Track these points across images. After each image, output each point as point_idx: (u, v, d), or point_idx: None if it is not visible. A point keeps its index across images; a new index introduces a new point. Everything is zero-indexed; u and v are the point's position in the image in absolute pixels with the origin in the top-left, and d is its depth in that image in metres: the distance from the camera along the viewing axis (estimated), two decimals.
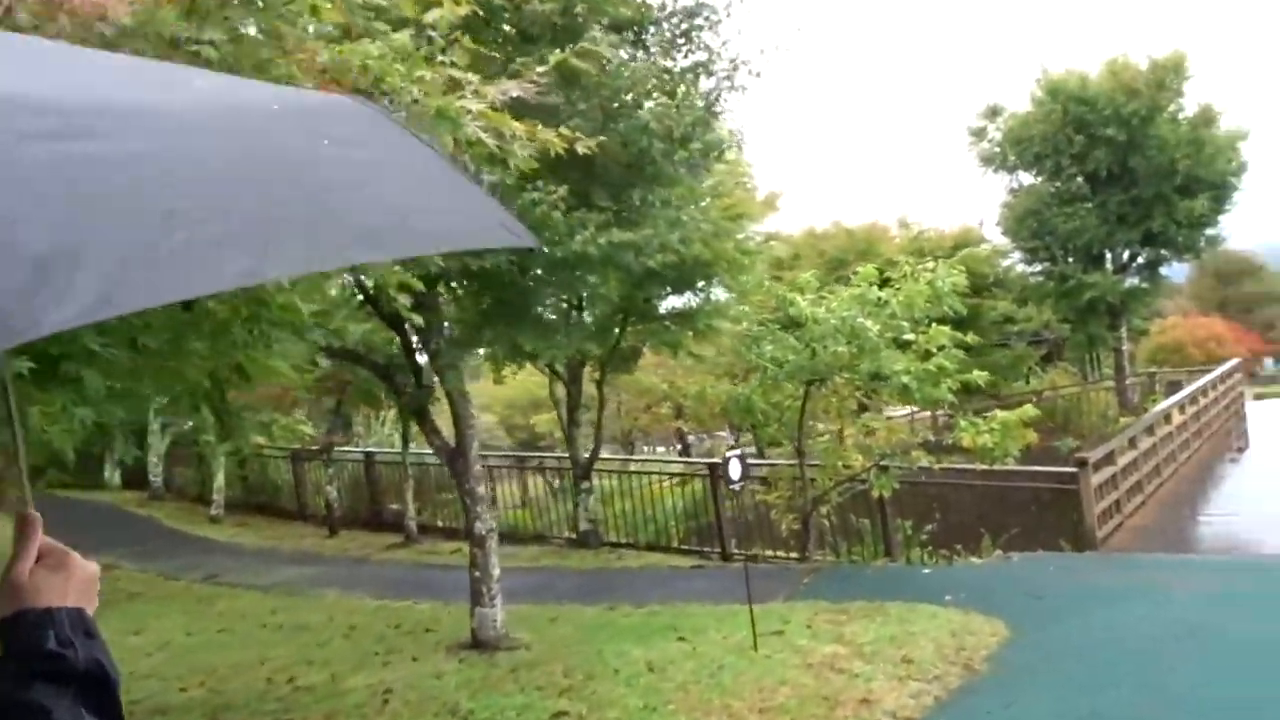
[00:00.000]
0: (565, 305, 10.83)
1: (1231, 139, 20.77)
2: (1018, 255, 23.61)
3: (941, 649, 7.20)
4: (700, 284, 11.61)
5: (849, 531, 12.80)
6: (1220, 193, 20.94)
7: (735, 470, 7.14)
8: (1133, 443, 12.29)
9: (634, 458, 18.59)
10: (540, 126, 3.36)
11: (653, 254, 6.61)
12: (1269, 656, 6.26)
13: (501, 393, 29.44)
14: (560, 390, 13.25)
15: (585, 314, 10.57)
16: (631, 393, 27.53)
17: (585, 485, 13.07)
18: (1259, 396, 39.88)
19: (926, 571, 10.28)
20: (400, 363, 7.31)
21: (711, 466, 13.27)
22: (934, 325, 10.24)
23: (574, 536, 13.21)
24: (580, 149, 3.57)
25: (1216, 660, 6.27)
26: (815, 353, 10.43)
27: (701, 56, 7.01)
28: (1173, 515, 11.94)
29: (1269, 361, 59.73)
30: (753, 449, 19.02)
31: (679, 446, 30.27)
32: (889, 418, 24.08)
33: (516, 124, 3.14)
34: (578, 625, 8.28)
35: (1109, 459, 11.28)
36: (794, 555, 11.66)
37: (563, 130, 3.56)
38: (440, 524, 15.10)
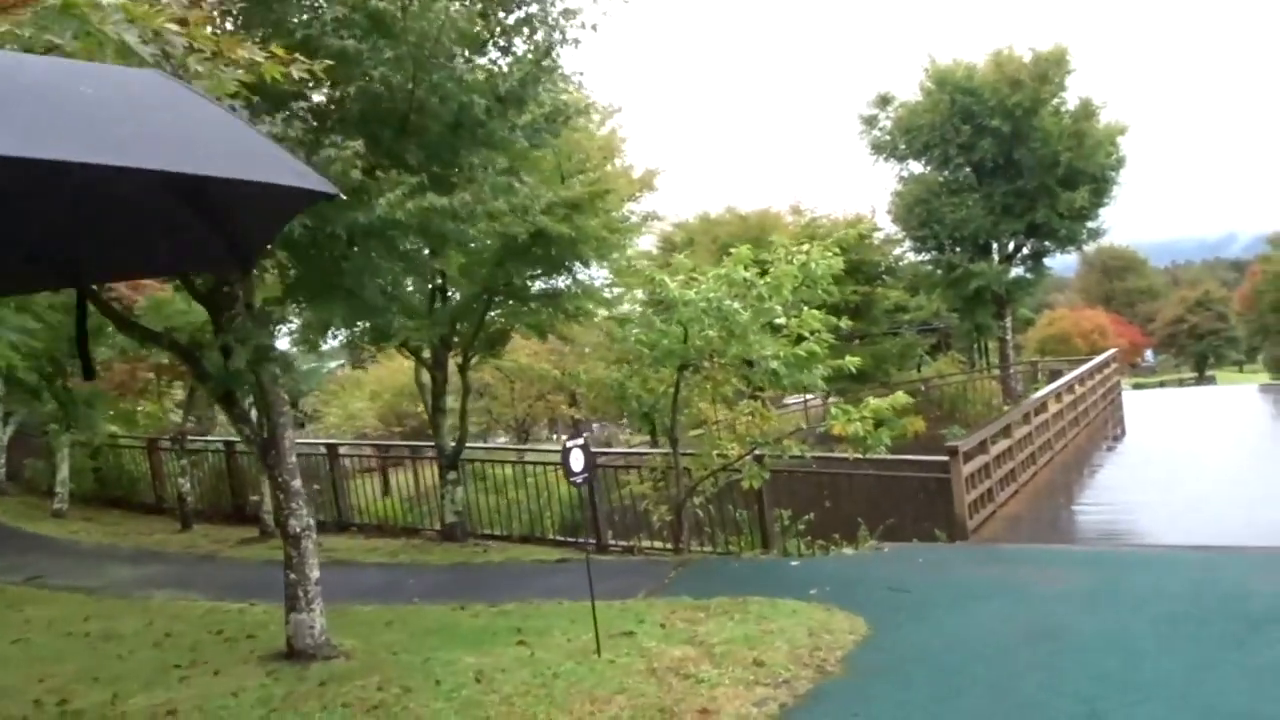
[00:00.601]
0: (428, 283, 10.17)
1: (1111, 133, 21.14)
2: (909, 244, 23.66)
3: (796, 650, 6.81)
4: (571, 264, 11.04)
5: (727, 522, 12.44)
6: (1100, 186, 21.31)
7: (577, 462, 6.60)
8: (1007, 431, 12.19)
9: (519, 447, 17.94)
10: (253, 45, 2.74)
11: (475, 221, 6.00)
12: (1121, 658, 6.02)
13: (395, 379, 28.43)
14: (426, 376, 12.54)
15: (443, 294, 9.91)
16: (525, 380, 26.86)
17: (451, 475, 12.42)
18: (1137, 386, 41.47)
19: (795, 564, 9.94)
20: (209, 341, 6.54)
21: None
22: (806, 309, 9.87)
23: (442, 529, 12.58)
24: (297, 72, 2.96)
25: (1070, 663, 6.01)
26: (687, 336, 9.98)
27: (534, 9, 6.42)
28: (1046, 504, 11.88)
29: (1149, 353, 62.37)
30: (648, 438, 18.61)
31: (575, 434, 29.75)
32: (784, 405, 24.11)
33: (207, 37, 2.53)
34: (414, 629, 7.66)
35: (981, 448, 11.13)
36: (670, 547, 11.25)
37: (296, 57, 2.94)
38: None
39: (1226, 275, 72.02)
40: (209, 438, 16.28)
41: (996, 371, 24.28)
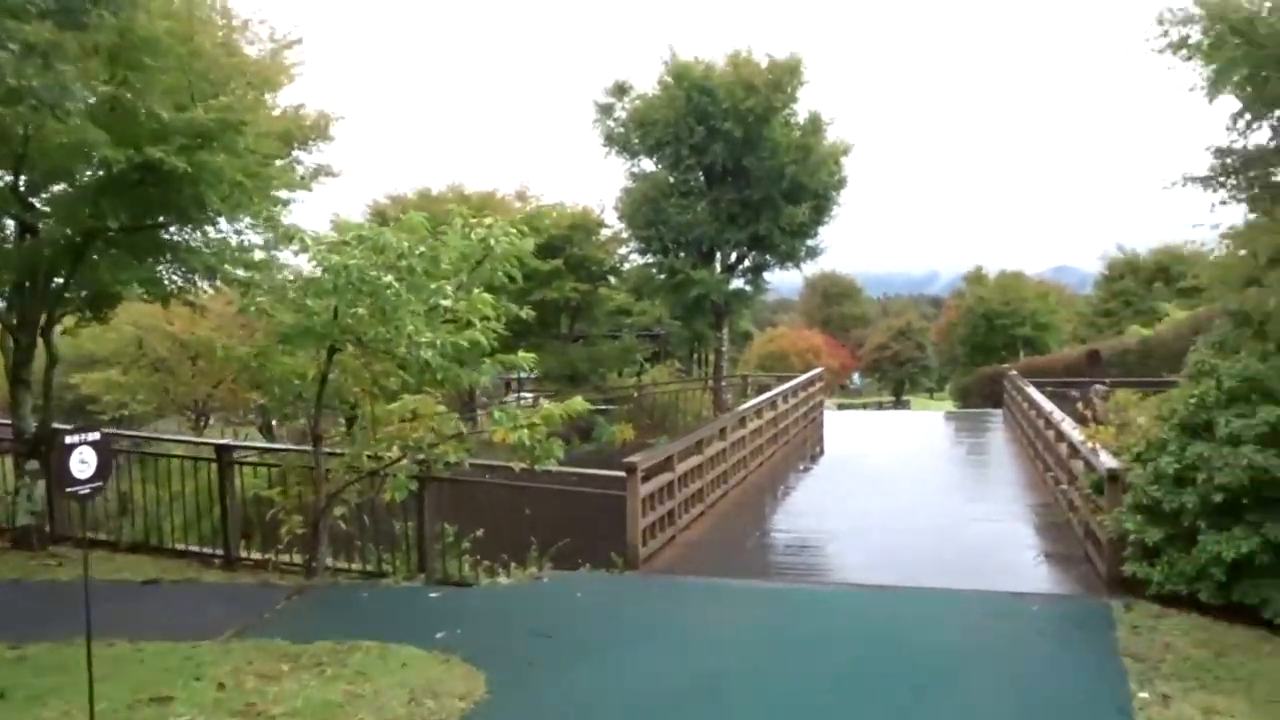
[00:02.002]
0: None
1: (835, 151, 21.32)
2: (635, 245, 22.81)
3: None
4: (199, 211, 8.86)
5: (382, 537, 10.66)
6: (821, 203, 21.44)
7: (80, 466, 4.66)
8: (699, 446, 11.25)
9: (139, 434, 15.10)
10: None
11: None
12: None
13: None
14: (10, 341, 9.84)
15: None
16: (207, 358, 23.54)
17: (32, 466, 9.84)
18: (842, 406, 43.58)
19: (436, 595, 8.38)
20: None
21: (219, 450, 10.59)
22: (476, 292, 8.31)
23: (13, 534, 9.96)
24: None
25: None
26: (338, 312, 8.15)
27: None
28: (732, 529, 11.03)
29: (856, 376, 66.47)
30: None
31: (260, 424, 26.58)
32: (505, 402, 22.57)
33: None
34: None
35: (666, 465, 10.07)
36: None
37: None
38: None
39: (927, 310, 78.21)
40: None
41: (711, 382, 24.00)
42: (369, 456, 9.27)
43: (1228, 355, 7.34)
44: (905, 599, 7.97)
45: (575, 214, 22.25)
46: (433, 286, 8.06)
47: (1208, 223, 8.10)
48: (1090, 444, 9.13)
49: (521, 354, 8.76)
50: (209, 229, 9.50)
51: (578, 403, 8.80)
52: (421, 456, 9.24)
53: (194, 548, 10.52)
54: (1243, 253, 8.38)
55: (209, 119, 7.97)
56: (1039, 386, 16.74)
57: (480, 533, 10.89)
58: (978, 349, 39.04)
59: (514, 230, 8.82)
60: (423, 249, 7.61)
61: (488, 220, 8.83)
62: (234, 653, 6.53)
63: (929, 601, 7.88)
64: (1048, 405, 13.20)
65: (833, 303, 76.11)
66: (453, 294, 8.27)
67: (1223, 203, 7.97)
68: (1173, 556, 7.27)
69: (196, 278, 10.08)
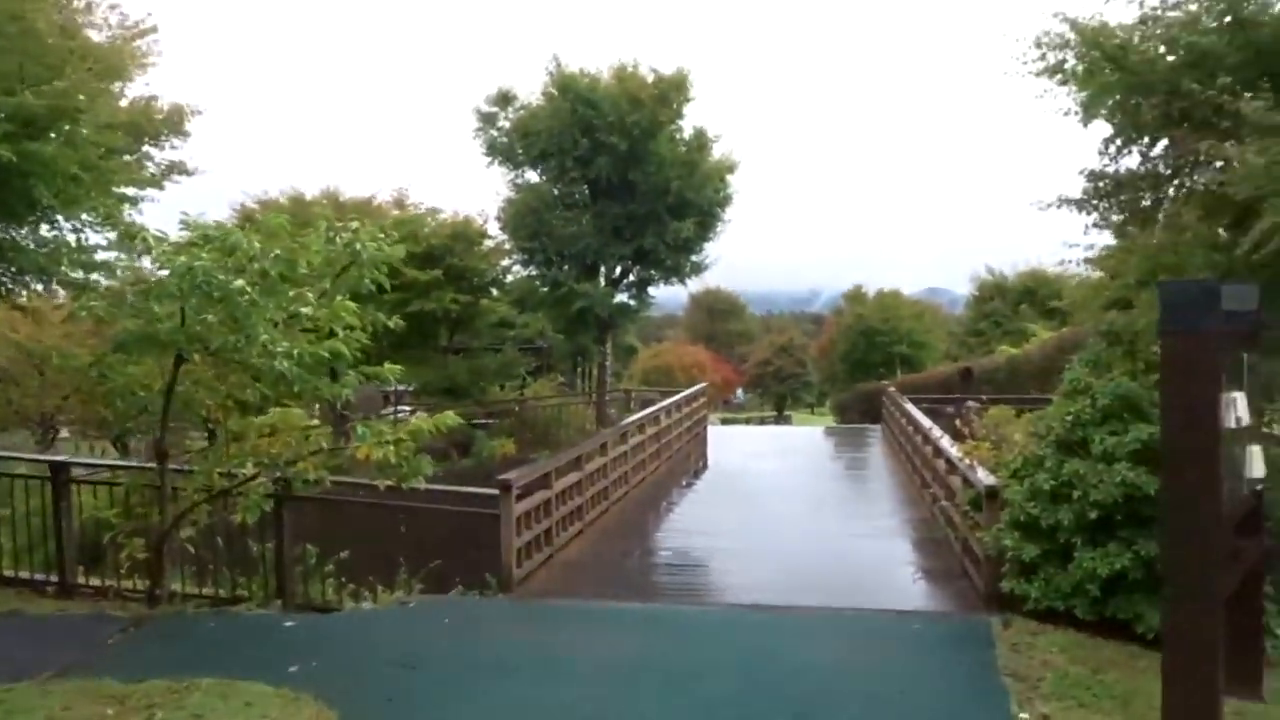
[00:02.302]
0: None
1: (720, 168, 21.30)
2: (519, 256, 22.28)
3: None
4: (26, 207, 8.06)
5: (238, 560, 9.96)
6: (706, 219, 21.36)
7: None
8: (578, 462, 10.89)
9: None
10: None
11: None
12: None
13: None
14: None
15: None
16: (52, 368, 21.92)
17: None
18: (726, 421, 43.93)
19: (292, 624, 7.76)
20: None
21: (54, 468, 9.69)
22: (339, 300, 7.76)
23: None
24: None
25: None
26: (185, 318, 7.48)
27: None
28: (613, 548, 10.71)
29: (740, 391, 67.37)
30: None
31: (114, 439, 24.88)
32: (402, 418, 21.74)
33: None
34: None
35: (543, 481, 9.67)
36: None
37: None
38: None
39: (809, 327, 79.84)
40: None
41: (594, 397, 23.67)
42: (222, 474, 8.60)
43: (1101, 373, 7.42)
44: (787, 620, 7.78)
45: (456, 223, 21.61)
46: (291, 294, 7.49)
47: (1081, 244, 8.23)
48: (968, 460, 9.16)
49: (388, 366, 8.25)
50: (42, 226, 8.66)
51: (449, 417, 8.35)
52: (280, 474, 8.62)
53: (24, 574, 9.61)
54: (1106, 276, 8.55)
55: (39, 105, 7.23)
56: (915, 403, 17.04)
57: (346, 554, 10.29)
58: (857, 365, 39.88)
59: (382, 235, 8.31)
60: (277, 251, 7.03)
61: (354, 224, 8.29)
62: (51, 696, 5.83)
63: (810, 622, 7.70)
64: (925, 422, 13.35)
65: (717, 319, 76.99)
66: (315, 302, 7.72)
67: (1095, 225, 8.10)
68: (1049, 573, 7.28)
69: (28, 279, 9.20)
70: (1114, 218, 8.00)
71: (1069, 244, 8.29)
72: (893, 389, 21.86)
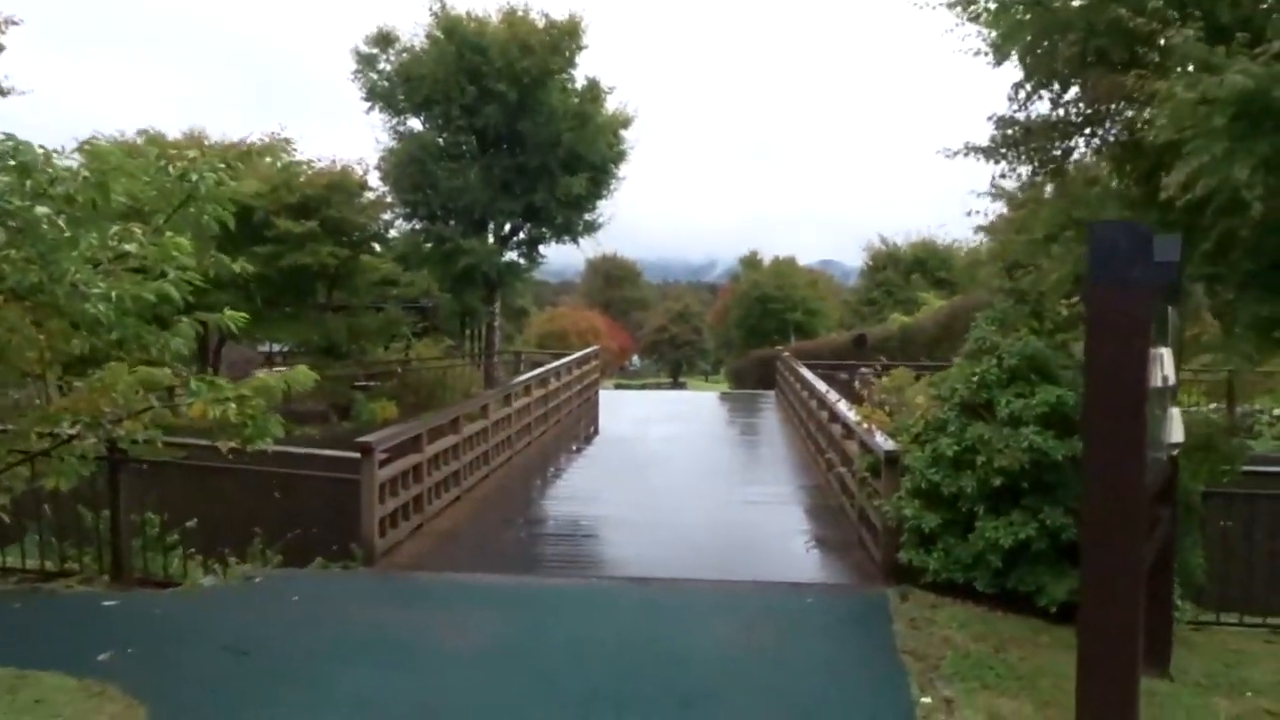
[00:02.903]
0: None
1: (614, 122, 20.56)
2: (403, 210, 21.10)
3: None
4: None
5: (69, 530, 8.91)
6: (599, 175, 20.65)
7: None
8: (455, 425, 10.09)
9: None
10: None
11: None
12: None
13: None
14: None
15: None
16: None
17: None
18: (619, 386, 43.46)
19: (111, 604, 6.80)
20: None
21: None
22: (169, 236, 6.72)
23: None
24: None
25: None
26: None
27: None
28: (491, 516, 9.96)
29: (635, 358, 67.06)
30: None
31: None
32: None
33: None
34: None
35: (414, 445, 8.84)
36: None
37: None
38: None
39: (705, 296, 79.91)
40: None
41: (483, 359, 22.76)
42: (41, 435, 7.50)
43: (1007, 332, 6.99)
44: (675, 595, 7.18)
45: (333, 173, 20.23)
46: (114, 229, 6.44)
47: (991, 192, 7.78)
48: (866, 425, 8.71)
49: (229, 313, 7.26)
50: None
51: (302, 373, 7.38)
52: (108, 435, 7.57)
53: None
54: (1010, 235, 8.17)
55: None
56: (810, 369, 16.71)
57: (193, 523, 9.31)
58: (752, 332, 39.83)
59: (224, 167, 7.27)
60: (85, 174, 5.98)
61: (191, 153, 7.24)
62: None
63: (701, 598, 7.13)
64: (821, 386, 12.96)
65: (614, 286, 76.43)
66: (143, 239, 6.67)
67: (1003, 176, 7.66)
68: (949, 543, 6.85)
69: None
70: (1021, 169, 7.56)
71: (977, 192, 7.82)
72: (788, 354, 21.58)
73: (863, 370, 21.62)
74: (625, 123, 20.86)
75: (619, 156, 20.99)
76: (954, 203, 7.88)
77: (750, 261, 48.40)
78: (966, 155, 7.58)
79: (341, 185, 20.13)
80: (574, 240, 21.99)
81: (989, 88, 9.11)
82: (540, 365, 19.33)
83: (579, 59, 19.68)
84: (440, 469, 9.62)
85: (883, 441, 7.81)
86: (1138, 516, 4.20)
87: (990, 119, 7.53)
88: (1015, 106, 7.55)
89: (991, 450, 6.45)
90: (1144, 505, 4.29)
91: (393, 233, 22.05)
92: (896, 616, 6.54)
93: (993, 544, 6.47)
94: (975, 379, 6.73)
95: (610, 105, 20.71)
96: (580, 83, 20.07)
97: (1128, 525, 4.18)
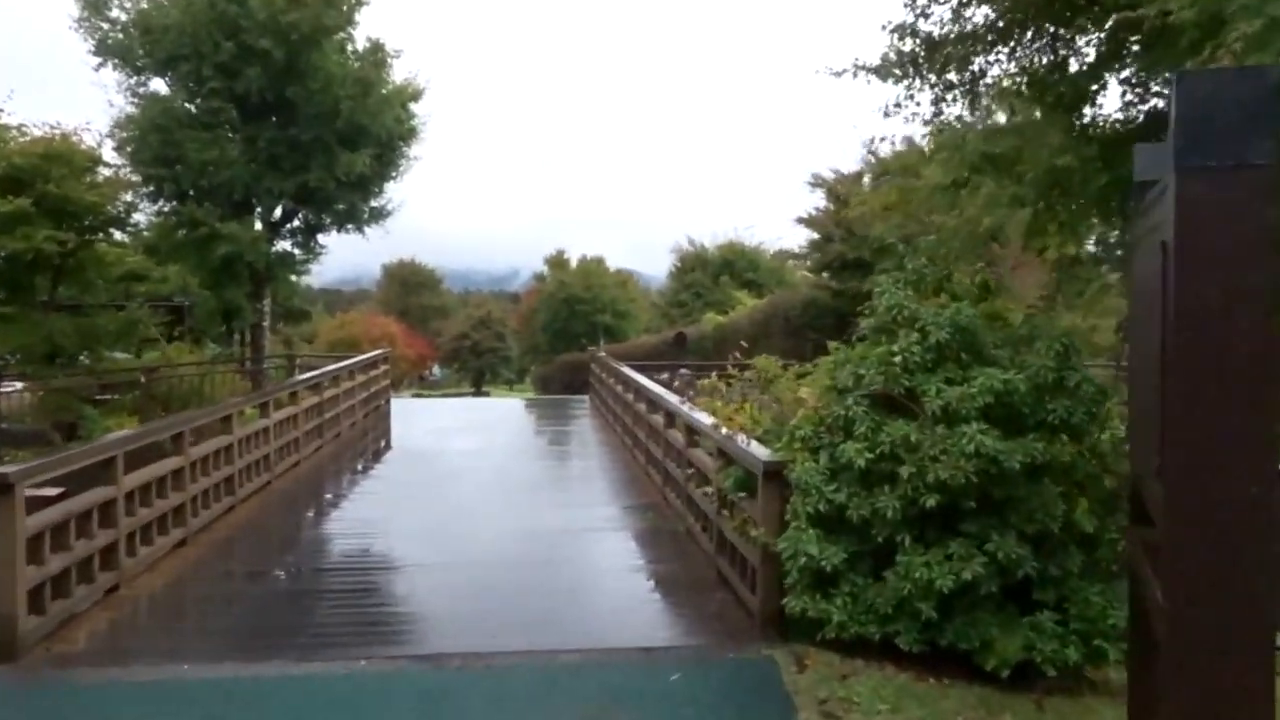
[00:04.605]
0: None
1: (403, 94, 18.00)
2: (148, 190, 17.64)
3: None
4: None
5: None
6: (386, 153, 18.00)
7: None
8: (179, 443, 7.47)
9: None
10: None
11: None
12: None
13: None
14: None
15: None
16: None
17: None
18: (418, 395, 40.37)
19: None
20: None
21: None
22: None
23: None
24: None
25: None
26: None
27: None
28: (225, 567, 7.41)
29: (436, 368, 63.63)
30: None
31: None
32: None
33: None
34: None
35: (104, 473, 6.20)
36: None
37: None
38: None
39: (508, 305, 77.43)
40: None
41: (247, 364, 19.56)
42: None
43: (923, 299, 5.26)
44: (480, 680, 5.00)
45: (51, 141, 16.58)
46: None
47: (903, 114, 6.06)
48: (724, 429, 6.79)
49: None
50: None
51: None
52: None
53: None
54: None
55: None
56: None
57: None
58: (559, 335, 37.89)
59: None
60: None
61: None
62: None
63: (516, 681, 4.98)
64: (653, 386, 11.07)
65: (412, 292, 72.85)
66: None
67: (898, 105, 5.97)
68: (857, 585, 5.03)
69: None
70: (921, 95, 5.90)
71: (888, 112, 6.06)
72: (603, 354, 19.69)
73: (682, 370, 20.08)
74: (415, 95, 18.30)
75: (409, 133, 18.40)
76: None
77: (556, 261, 46.48)
78: (855, 75, 5.85)
79: (61, 155, 16.47)
80: (359, 229, 19.18)
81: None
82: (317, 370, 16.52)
83: (359, 16, 16.99)
84: (152, 504, 6.98)
85: (756, 449, 5.92)
86: (1260, 547, 2.47)
87: (885, 27, 5.82)
88: (912, 14, 5.89)
89: (922, 458, 4.67)
90: (1272, 530, 2.53)
91: (138, 217, 18.46)
92: (798, 696, 4.64)
93: (924, 586, 4.68)
94: (897, 360, 4.92)
95: (398, 74, 18.12)
96: (361, 43, 17.39)
97: (1245, 565, 2.44)
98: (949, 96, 5.87)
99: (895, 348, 4.98)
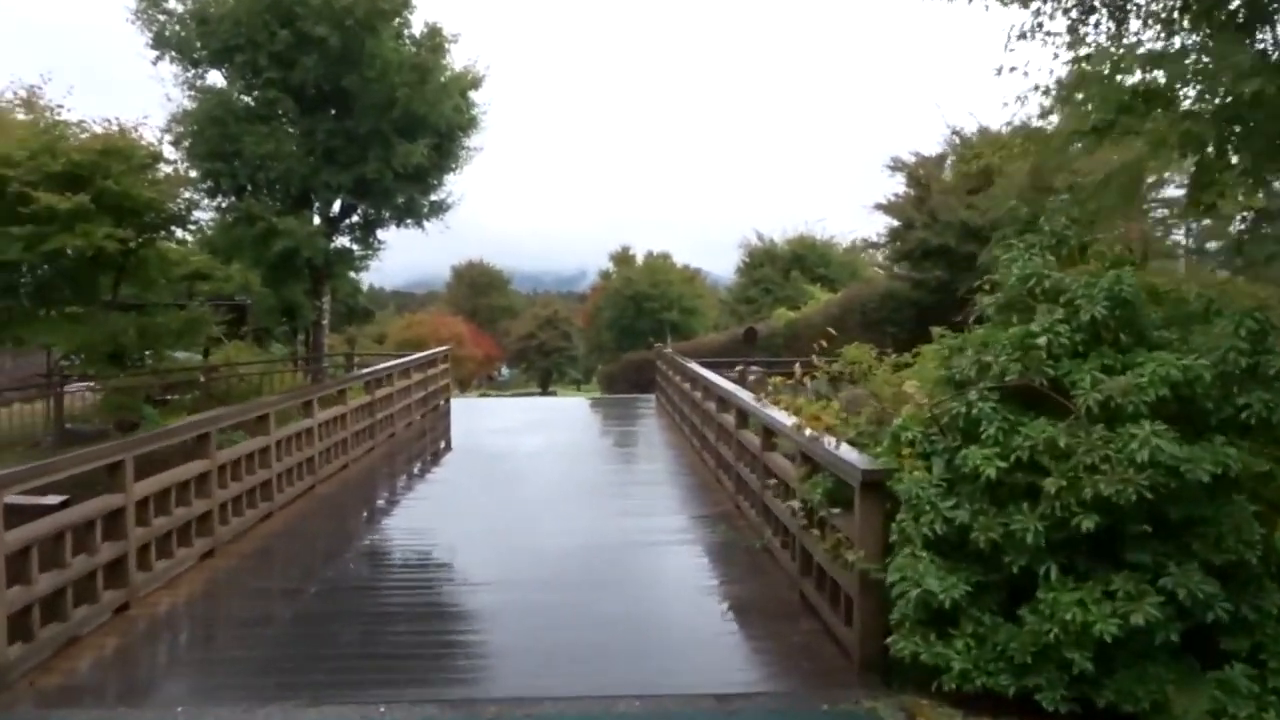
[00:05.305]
0: None
1: (461, 82, 17.34)
2: (206, 186, 17.29)
3: None
4: None
5: None
6: (445, 143, 17.37)
7: None
8: (203, 446, 6.80)
9: None
10: None
11: None
12: None
13: None
14: None
15: None
16: None
17: None
18: (484, 395, 40.01)
19: None
20: None
21: None
22: None
23: None
24: None
25: None
26: None
27: None
28: (264, 580, 6.72)
29: (504, 368, 63.48)
30: None
31: None
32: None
33: None
34: None
35: (112, 480, 5.52)
36: None
37: None
38: None
39: (575, 304, 77.08)
40: None
41: (308, 362, 19.16)
42: None
43: (1064, 266, 4.25)
44: None
45: (109, 136, 16.30)
46: None
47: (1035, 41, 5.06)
48: (808, 430, 5.83)
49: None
50: None
51: None
52: None
53: None
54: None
55: None
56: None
57: None
58: (625, 333, 37.08)
59: None
60: None
61: None
62: None
63: None
64: (724, 384, 10.13)
65: (480, 294, 73.00)
66: None
67: (1025, 35, 4.97)
68: (984, 626, 4.07)
69: None
70: (1056, 21, 4.88)
71: (1016, 39, 5.06)
72: (669, 350, 18.79)
73: (753, 368, 19.06)
74: (475, 83, 17.64)
75: (469, 123, 17.75)
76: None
77: (622, 258, 45.68)
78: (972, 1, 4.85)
79: (120, 151, 16.17)
80: (418, 223, 18.61)
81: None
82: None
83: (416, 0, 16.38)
84: (170, 513, 6.30)
85: (849, 454, 4.97)
86: None
87: None
88: None
89: (1074, 467, 3.68)
90: None
91: (199, 214, 18.16)
92: None
93: (1077, 630, 3.70)
94: (1041, 342, 3.93)
95: (457, 61, 17.48)
96: (418, 28, 16.79)
97: None
98: (1090, 20, 4.85)
99: (1034, 327, 4.00)
